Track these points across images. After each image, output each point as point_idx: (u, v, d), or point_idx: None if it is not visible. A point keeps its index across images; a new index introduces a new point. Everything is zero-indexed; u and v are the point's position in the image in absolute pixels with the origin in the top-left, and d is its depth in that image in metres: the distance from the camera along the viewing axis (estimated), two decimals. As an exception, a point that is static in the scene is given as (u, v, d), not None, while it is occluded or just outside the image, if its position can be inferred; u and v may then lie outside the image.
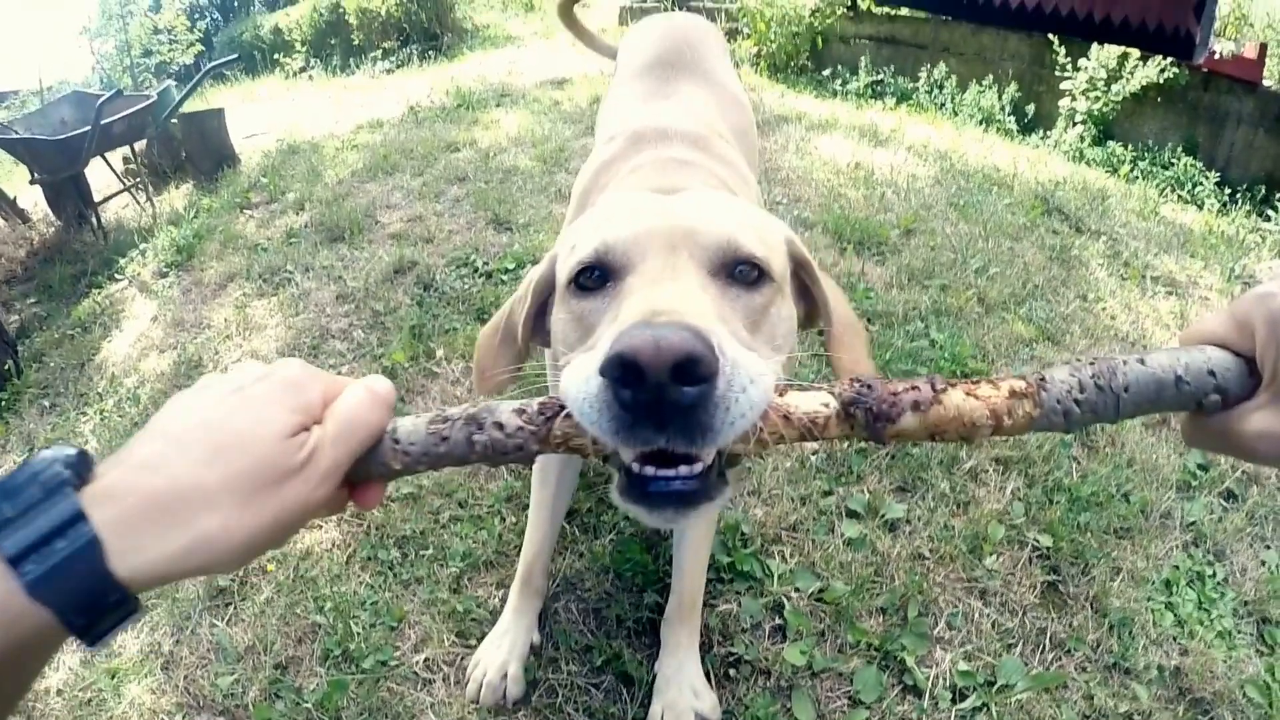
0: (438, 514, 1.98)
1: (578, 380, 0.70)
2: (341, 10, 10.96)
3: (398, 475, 0.67)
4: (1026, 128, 5.96)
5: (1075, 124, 5.67)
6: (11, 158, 6.05)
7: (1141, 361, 0.64)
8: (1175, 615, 1.76)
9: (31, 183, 5.58)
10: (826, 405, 0.67)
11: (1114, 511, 1.97)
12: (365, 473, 0.66)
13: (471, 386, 2.42)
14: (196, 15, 15.54)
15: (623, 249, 0.90)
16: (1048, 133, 5.81)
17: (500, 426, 0.66)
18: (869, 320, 2.66)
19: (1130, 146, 5.45)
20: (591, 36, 2.80)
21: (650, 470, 0.72)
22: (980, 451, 2.10)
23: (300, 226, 3.79)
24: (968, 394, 0.65)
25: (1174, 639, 1.71)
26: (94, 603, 0.50)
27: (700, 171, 1.37)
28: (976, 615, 1.68)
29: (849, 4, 7.02)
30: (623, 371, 0.64)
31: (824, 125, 4.86)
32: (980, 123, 5.89)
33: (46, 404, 3.03)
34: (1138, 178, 5.06)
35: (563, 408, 0.69)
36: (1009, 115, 5.99)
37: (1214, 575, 1.87)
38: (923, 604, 1.69)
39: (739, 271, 0.91)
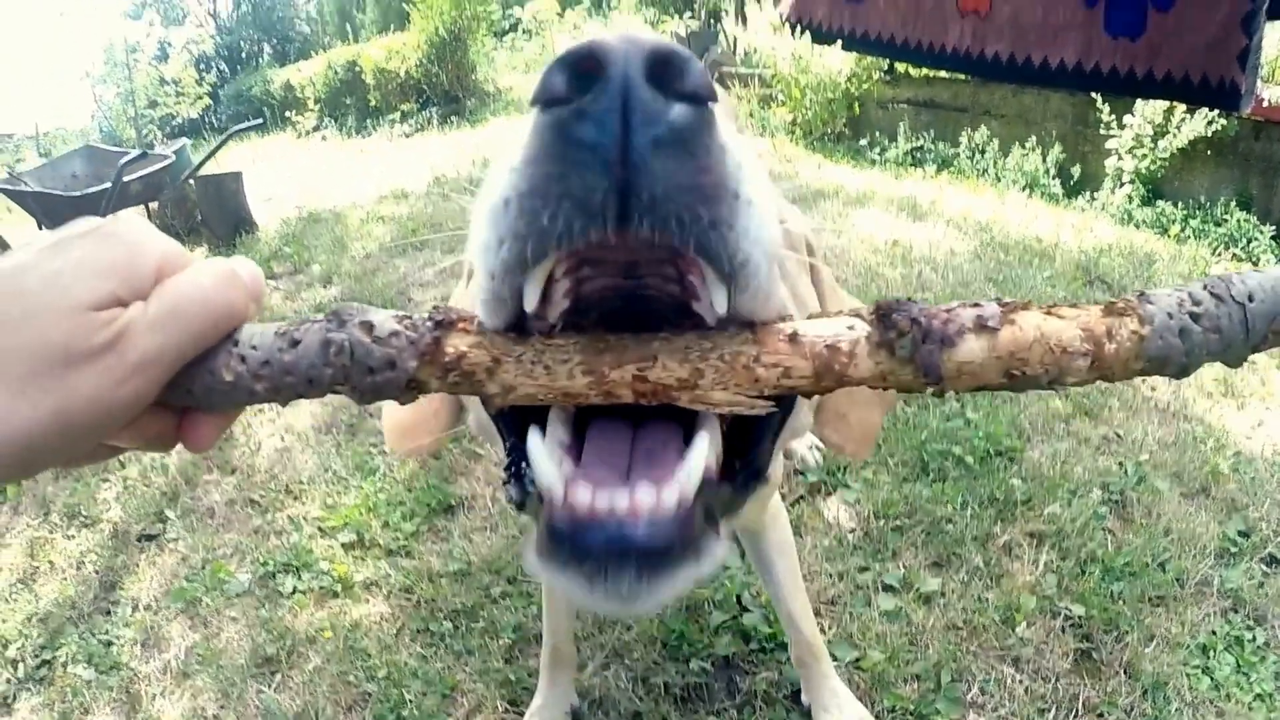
0: (488, 589, 2.24)
1: (489, 176, 0.52)
2: (358, 69, 11.53)
3: (231, 398, 0.54)
4: (1072, 190, 6.13)
5: (1122, 184, 5.84)
6: (19, 207, 6.42)
7: (1257, 270, 0.54)
8: (1212, 679, 1.94)
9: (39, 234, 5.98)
10: (852, 327, 0.53)
11: (1149, 580, 2.17)
12: (189, 387, 0.53)
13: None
14: (203, 66, 16.36)
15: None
16: (1094, 194, 5.97)
17: (369, 328, 0.53)
18: (904, 402, 2.92)
19: (1180, 204, 5.59)
20: None
21: (585, 497, 0.51)
22: (1014, 526, 2.34)
23: (330, 301, 4.12)
24: (1048, 314, 0.52)
25: (1210, 702, 1.89)
26: None
27: None
28: (1009, 682, 1.91)
29: (886, 69, 7.39)
30: (565, 73, 0.45)
31: (862, 199, 5.20)
32: (1024, 187, 6.11)
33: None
34: (1188, 237, 5.20)
35: (463, 318, 0.55)
36: (1053, 178, 6.18)
37: (1254, 639, 2.05)
38: (956, 671, 1.92)
39: None
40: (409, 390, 0.53)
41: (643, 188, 0.44)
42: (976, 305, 0.51)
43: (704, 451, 0.52)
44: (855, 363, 0.51)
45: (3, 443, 0.45)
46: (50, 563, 2.68)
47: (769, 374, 0.51)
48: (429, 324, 0.53)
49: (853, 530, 2.35)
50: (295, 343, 0.52)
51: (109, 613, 2.44)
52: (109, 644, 2.30)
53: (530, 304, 0.50)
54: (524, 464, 0.60)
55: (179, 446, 0.56)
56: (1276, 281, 0.52)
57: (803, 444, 2.60)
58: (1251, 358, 0.56)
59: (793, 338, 0.52)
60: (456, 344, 0.53)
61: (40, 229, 5.93)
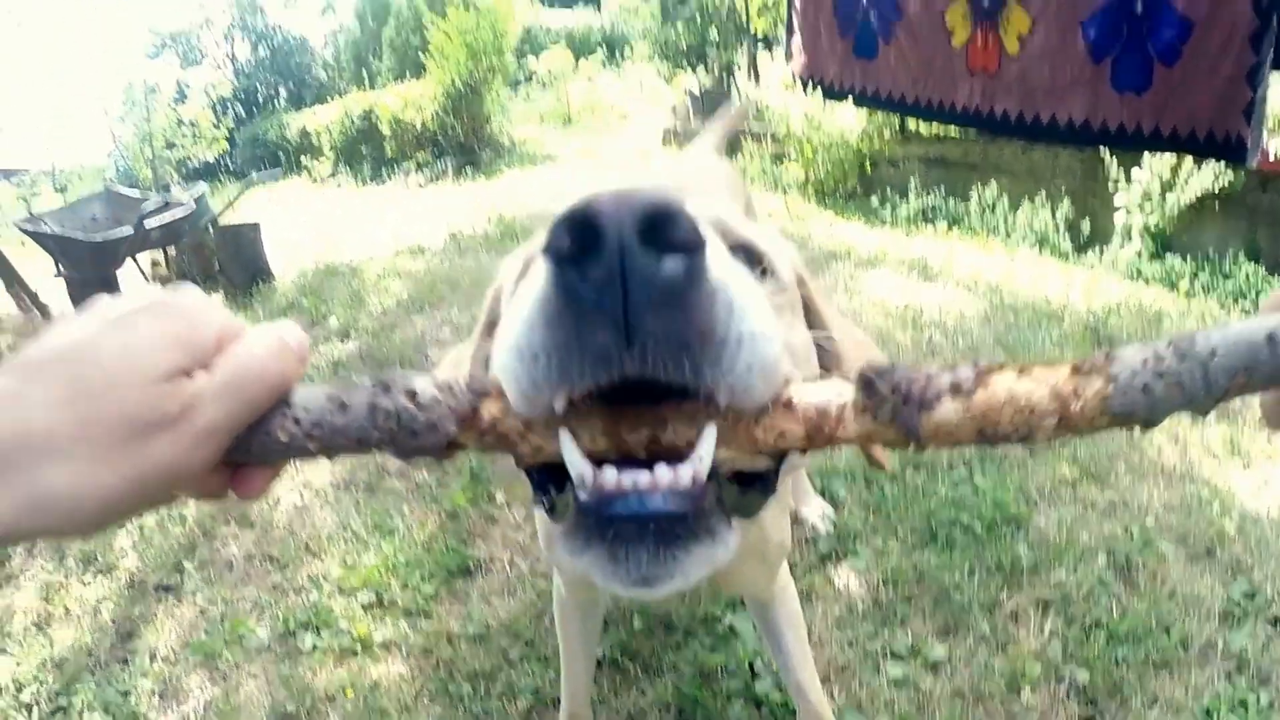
0: (506, 652, 2.30)
1: (507, 317, 0.61)
2: (374, 118, 11.77)
3: (285, 455, 0.59)
4: (1082, 246, 6.17)
5: (1131, 239, 5.90)
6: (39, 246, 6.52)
7: (1221, 326, 0.57)
8: None
9: (56, 276, 6.09)
10: (840, 393, 0.58)
11: (1153, 644, 2.22)
12: (248, 447, 0.58)
13: (533, 533, 2.72)
14: (220, 109, 16.66)
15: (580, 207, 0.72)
16: (1104, 250, 6.01)
17: (413, 395, 0.58)
18: (914, 469, 2.99)
19: (1189, 259, 5.63)
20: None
21: (611, 478, 0.57)
22: (1021, 593, 2.40)
23: (348, 357, 4.22)
24: (1020, 374, 0.57)
25: None
26: None
27: None
28: (1015, 749, 1.97)
29: (897, 126, 7.53)
30: (570, 234, 0.51)
31: (873, 260, 5.31)
32: (1033, 244, 6.17)
33: None
34: (1197, 292, 5.24)
35: (497, 388, 0.59)
36: (1063, 234, 6.24)
37: (1258, 701, 2.09)
38: (963, 739, 2.00)
39: (738, 255, 0.75)
40: (448, 450, 0.59)
41: (645, 338, 0.51)
42: (953, 370, 0.57)
43: (713, 438, 0.57)
44: (843, 425, 0.57)
45: (86, 504, 0.50)
46: (65, 608, 2.73)
47: (766, 435, 0.58)
48: (467, 392, 0.58)
49: (862, 598, 2.42)
50: (345, 406, 0.58)
51: (126, 662, 2.48)
52: (126, 694, 2.35)
53: (559, 409, 0.56)
54: (550, 486, 0.66)
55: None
56: (1238, 337, 0.55)
57: (814, 513, 2.68)
58: (1259, 412, 0.62)
59: (788, 404, 0.58)
60: (491, 410, 0.58)
61: (59, 270, 6.05)
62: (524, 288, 0.58)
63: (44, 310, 6.26)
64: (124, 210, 6.54)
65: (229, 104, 18.26)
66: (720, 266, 0.55)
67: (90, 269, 5.82)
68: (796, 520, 2.64)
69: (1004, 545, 2.59)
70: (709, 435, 0.57)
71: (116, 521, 0.54)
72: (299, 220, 8.73)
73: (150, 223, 5.77)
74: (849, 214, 7.08)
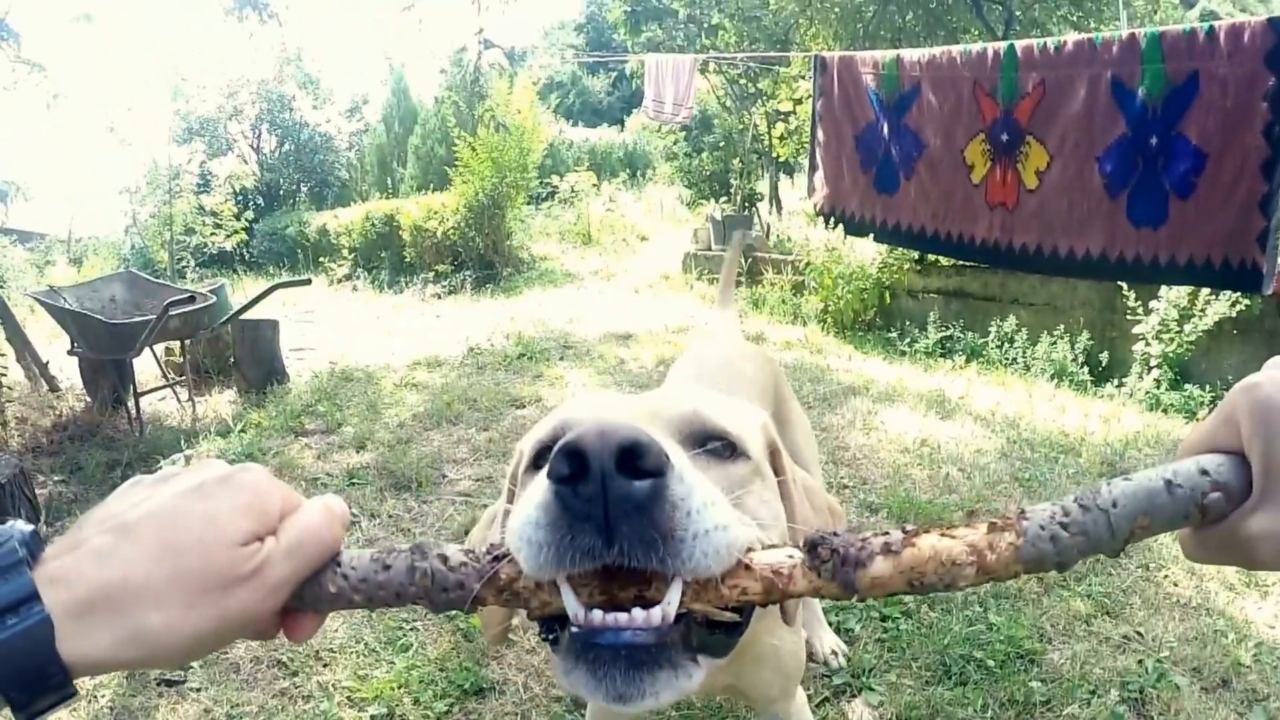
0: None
1: (520, 506, 0.77)
2: (395, 224, 12.08)
3: (333, 605, 0.73)
4: (1100, 377, 6.34)
5: (1150, 369, 6.04)
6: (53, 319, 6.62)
7: (1127, 478, 0.68)
8: None
9: (70, 353, 6.17)
10: (791, 556, 0.73)
11: None
12: (301, 596, 0.72)
13: (548, 657, 2.75)
14: (242, 201, 17.08)
15: (581, 421, 0.92)
16: (1122, 380, 6.16)
17: (444, 559, 0.73)
18: (929, 606, 3.08)
19: (1208, 387, 5.77)
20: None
21: (598, 616, 0.74)
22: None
23: (362, 468, 4.32)
24: (944, 534, 0.69)
25: None
26: (37, 681, 0.58)
27: None
28: None
29: (916, 258, 7.78)
30: (565, 463, 0.70)
31: (891, 395, 5.44)
32: (1051, 376, 6.31)
33: None
34: None
35: (511, 554, 0.75)
36: (1081, 366, 6.40)
37: None
38: None
39: (710, 446, 0.98)
40: (473, 604, 0.74)
41: (622, 539, 0.70)
42: (886, 534, 0.71)
43: (679, 590, 0.74)
44: (793, 582, 0.72)
45: (176, 642, 0.63)
46: (62, 694, 2.79)
47: (731, 592, 0.74)
48: (489, 557, 0.75)
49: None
50: (387, 567, 0.73)
51: (123, 755, 2.48)
52: (121, 787, 2.36)
53: (560, 583, 0.75)
54: (555, 625, 0.84)
55: None
56: (1138, 488, 0.67)
57: (826, 647, 2.76)
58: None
59: (748, 566, 0.74)
60: (509, 572, 0.74)
61: (73, 347, 6.14)
62: (532, 487, 0.79)
63: (53, 382, 6.37)
64: (144, 295, 6.63)
65: (251, 196, 18.73)
66: (681, 482, 0.73)
67: (107, 351, 5.88)
68: (809, 652, 2.71)
69: (1017, 681, 2.65)
70: (675, 588, 0.74)
71: (198, 658, 0.73)
72: (315, 324, 8.92)
73: (172, 313, 5.88)
74: (867, 347, 7.27)
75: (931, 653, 2.80)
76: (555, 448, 0.72)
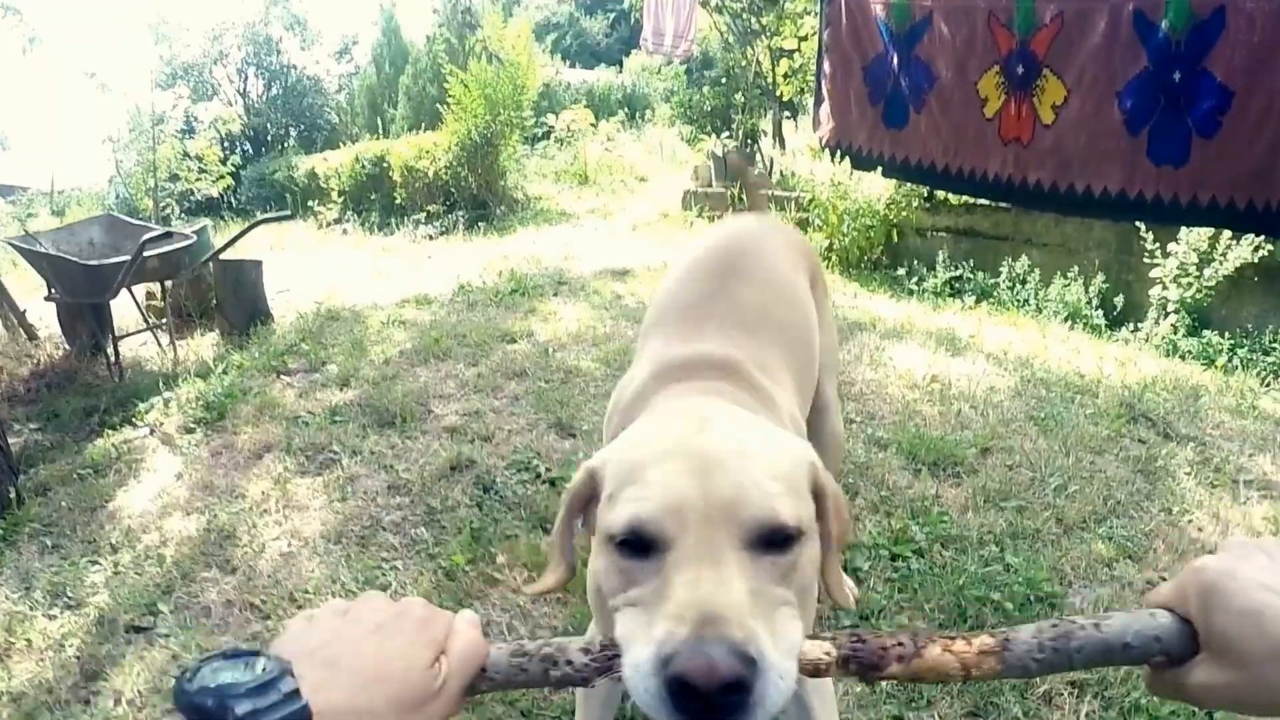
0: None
1: (636, 670, 0.94)
2: (386, 165, 11.89)
3: (481, 692, 0.93)
4: (1115, 321, 6.21)
5: (1167, 314, 5.91)
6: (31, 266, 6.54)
7: (1098, 627, 0.88)
8: None
9: (47, 299, 6.07)
10: (828, 654, 0.94)
11: None
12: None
13: (533, 597, 2.71)
14: (228, 146, 16.86)
15: (658, 526, 1.07)
16: (1138, 325, 6.04)
17: (570, 664, 0.92)
18: (942, 545, 2.97)
19: (1228, 334, 5.65)
20: None
21: None
22: (1055, 675, 2.33)
23: (345, 404, 4.20)
24: (944, 649, 0.89)
25: None
26: None
27: (730, 404, 1.54)
28: None
29: (925, 196, 7.57)
30: (681, 688, 0.90)
31: (899, 332, 5.32)
32: (1065, 319, 6.18)
33: (49, 543, 3.30)
34: (1236, 367, 5.25)
35: (619, 646, 0.97)
36: (1096, 309, 6.26)
37: None
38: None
39: (774, 539, 1.08)
40: (591, 683, 0.94)
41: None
42: (901, 644, 0.90)
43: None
44: (828, 672, 0.94)
45: None
46: (28, 641, 2.69)
47: None
48: (605, 656, 0.94)
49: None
50: (524, 670, 0.91)
51: (88, 703, 2.43)
52: (85, 736, 2.28)
53: None
54: None
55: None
56: (1101, 643, 0.87)
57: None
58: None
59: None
60: (619, 664, 0.94)
61: (50, 293, 6.03)
62: (633, 630, 1.00)
63: (30, 331, 6.25)
64: (123, 237, 6.48)
65: (237, 141, 18.49)
66: (765, 683, 0.91)
67: (83, 294, 5.78)
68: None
69: None
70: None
71: None
72: (303, 264, 8.79)
73: (149, 252, 5.74)
74: (874, 285, 7.12)
75: (945, 594, 2.70)
76: (672, 671, 0.91)
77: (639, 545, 1.09)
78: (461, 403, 4.21)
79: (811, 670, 0.94)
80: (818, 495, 1.23)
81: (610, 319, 5.50)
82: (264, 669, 0.74)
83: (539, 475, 3.48)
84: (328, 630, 0.83)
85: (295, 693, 0.72)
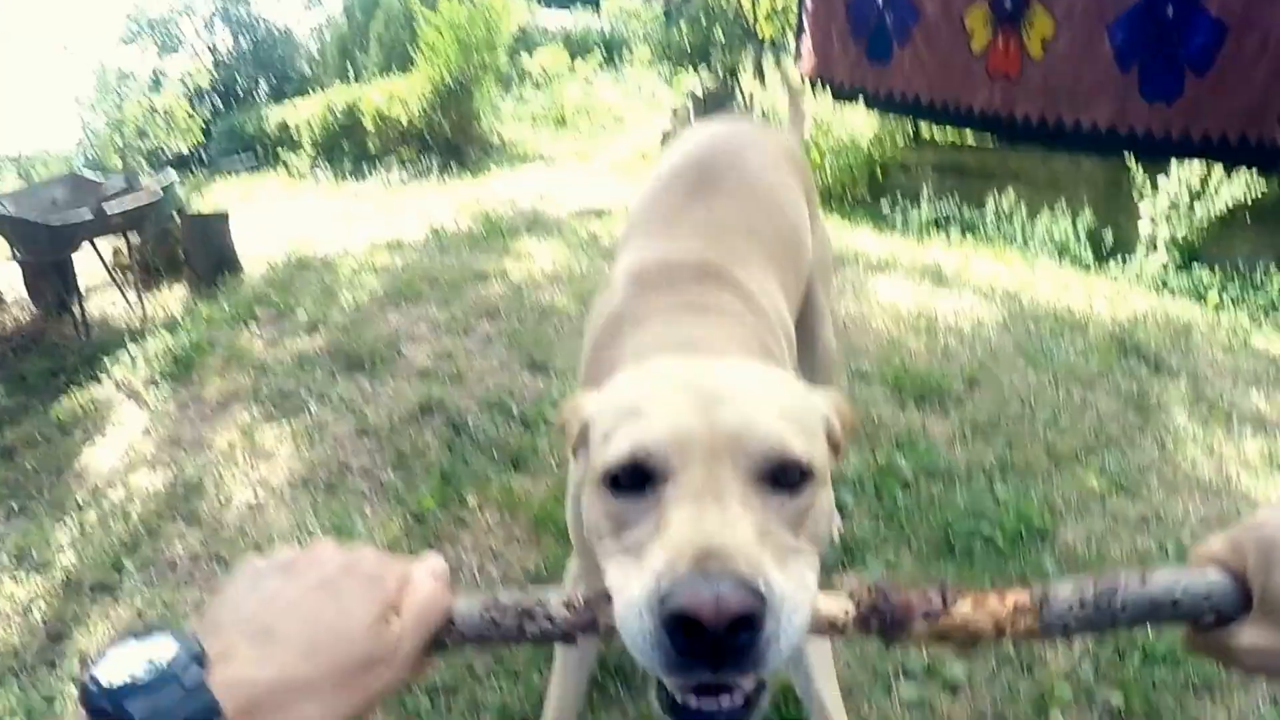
0: (470, 665, 2.18)
1: (629, 611, 0.84)
2: (358, 112, 11.72)
3: (445, 649, 0.84)
4: (1104, 257, 6.16)
5: (1156, 250, 5.88)
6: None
7: (1143, 582, 0.79)
8: None
9: (10, 260, 5.99)
10: (846, 611, 0.83)
11: (1193, 666, 2.11)
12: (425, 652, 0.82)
13: (505, 539, 2.66)
14: (196, 100, 16.60)
15: (661, 455, 0.98)
16: (1127, 261, 6.01)
17: (550, 619, 0.83)
18: (929, 478, 2.91)
19: (1218, 270, 5.61)
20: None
21: (694, 702, 0.88)
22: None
23: (314, 351, 4.10)
24: (975, 605, 0.81)
25: None
26: None
27: (720, 319, 1.53)
28: (1044, 777, 1.85)
29: (910, 131, 7.50)
30: (682, 626, 0.79)
31: (883, 265, 5.24)
32: (1053, 254, 6.15)
33: (15, 506, 3.27)
34: (1227, 305, 5.22)
35: (608, 598, 0.86)
36: (1084, 245, 6.22)
37: None
38: (984, 768, 1.87)
39: (784, 475, 0.99)
40: (574, 641, 0.86)
41: (725, 667, 0.82)
42: (928, 599, 0.82)
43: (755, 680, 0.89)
44: (845, 632, 0.84)
45: None
46: (-8, 604, 2.64)
47: None
48: (588, 611, 0.85)
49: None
50: (497, 625, 0.82)
51: (54, 665, 2.39)
52: (50, 699, 2.25)
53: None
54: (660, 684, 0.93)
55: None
56: (1148, 601, 0.79)
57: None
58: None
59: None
60: (605, 619, 0.84)
61: (14, 256, 5.94)
62: (624, 573, 0.91)
63: (-5, 292, 6.17)
64: (87, 195, 6.42)
65: (206, 94, 18.20)
66: (777, 620, 0.81)
67: (47, 253, 5.69)
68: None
69: (1028, 559, 2.51)
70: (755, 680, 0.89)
71: None
72: (274, 216, 8.66)
73: (112, 207, 5.64)
74: (857, 221, 7.03)
75: (933, 527, 2.66)
76: (671, 604, 0.80)
77: (635, 481, 1.00)
78: (433, 344, 4.12)
79: (827, 629, 0.85)
80: (834, 446, 1.16)
81: (586, 258, 5.39)
82: (168, 659, 0.66)
83: (512, 415, 3.40)
84: (266, 592, 0.75)
85: (201, 685, 0.65)
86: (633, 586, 0.86)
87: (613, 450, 1.03)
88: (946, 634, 0.81)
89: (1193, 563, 0.83)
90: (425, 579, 0.82)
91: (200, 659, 0.66)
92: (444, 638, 0.82)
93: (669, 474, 0.97)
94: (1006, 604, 0.81)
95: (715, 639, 0.78)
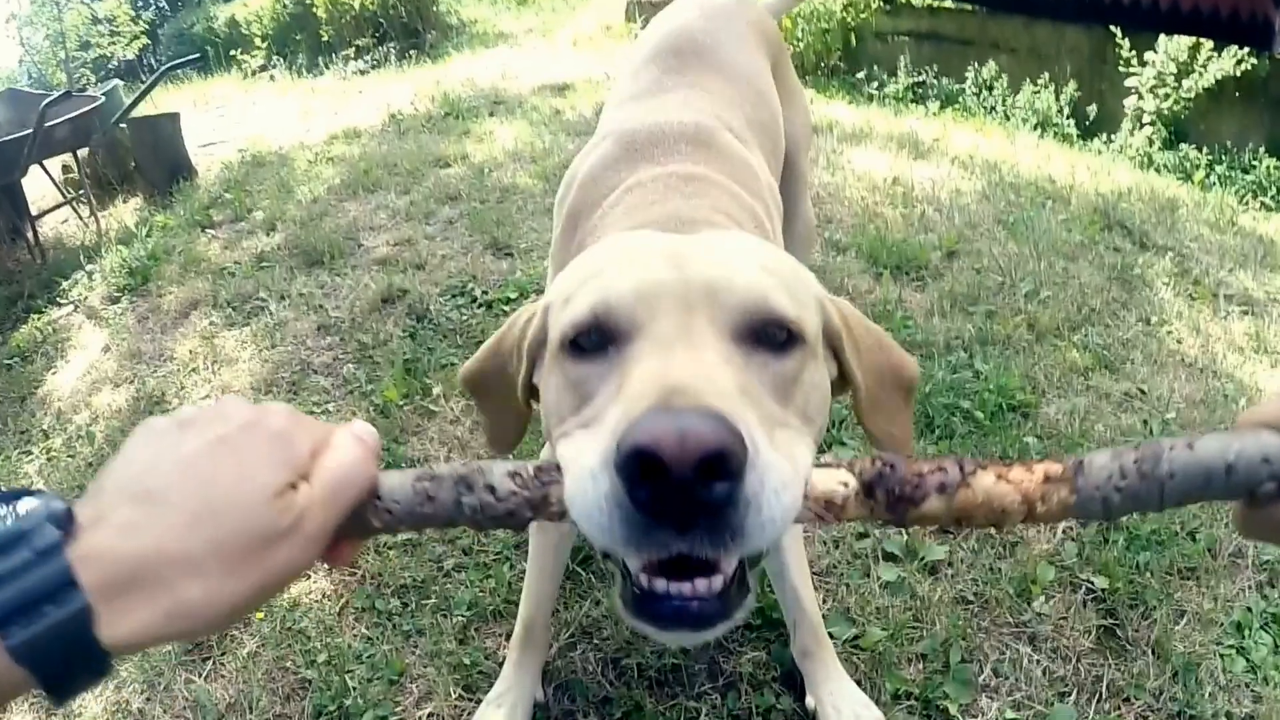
0: (440, 561, 2.15)
1: (580, 476, 0.73)
2: (309, 2, 11.30)
3: (376, 534, 0.73)
4: (1088, 131, 6.12)
5: (1142, 125, 5.82)
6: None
7: (1190, 446, 0.67)
8: (1247, 660, 1.87)
9: None
10: (845, 485, 0.72)
11: (1178, 550, 2.10)
12: (342, 530, 0.69)
13: (473, 426, 2.61)
14: (141, 4, 15.96)
15: (627, 307, 0.89)
16: (1112, 136, 5.96)
17: (492, 490, 0.70)
18: (907, 350, 2.82)
19: (1205, 149, 5.57)
20: None
21: (662, 585, 0.76)
22: None
23: (272, 249, 4.03)
24: (999, 477, 0.69)
25: (1246, 685, 1.82)
26: (74, 667, 0.56)
27: (710, 190, 1.44)
28: (1025, 662, 1.83)
29: (886, -1, 7.27)
30: (641, 467, 0.66)
31: (858, 135, 5.12)
32: (1035, 127, 6.07)
33: None
34: (1214, 184, 5.19)
35: (560, 471, 0.74)
36: (1068, 118, 6.15)
37: None
38: (966, 650, 1.84)
39: (767, 334, 0.90)
40: (524, 525, 0.74)
41: (693, 535, 0.69)
42: (943, 470, 0.70)
43: (736, 560, 0.77)
44: (847, 510, 0.72)
45: (219, 610, 0.60)
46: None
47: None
48: (537, 482, 0.73)
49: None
50: (431, 499, 0.70)
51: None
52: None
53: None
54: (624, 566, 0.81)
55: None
56: (1199, 462, 0.66)
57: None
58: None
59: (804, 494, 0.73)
60: (558, 494, 0.73)
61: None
62: (577, 443, 0.82)
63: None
64: (29, 111, 6.11)
65: (151, -1, 17.49)
66: (756, 476, 0.69)
67: (-5, 176, 5.45)
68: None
69: (1009, 435, 2.47)
70: (734, 559, 0.76)
71: (241, 619, 0.65)
72: (228, 118, 8.38)
73: (54, 117, 5.37)
74: (831, 91, 6.87)
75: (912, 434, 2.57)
76: (624, 445, 0.67)
77: (598, 344, 0.90)
78: (392, 233, 4.04)
79: (824, 509, 0.72)
80: (830, 332, 1.05)
81: (549, 134, 5.26)
82: (16, 518, 0.58)
83: (475, 300, 3.35)
84: (161, 446, 0.64)
85: (55, 547, 0.56)
86: (586, 454, 0.75)
87: (571, 311, 0.94)
88: (967, 513, 0.69)
89: (1241, 426, 0.70)
90: (347, 443, 0.70)
91: (61, 521, 0.58)
92: (369, 517, 0.70)
93: (635, 329, 0.88)
94: (1035, 475, 0.69)
95: (683, 487, 0.65)
